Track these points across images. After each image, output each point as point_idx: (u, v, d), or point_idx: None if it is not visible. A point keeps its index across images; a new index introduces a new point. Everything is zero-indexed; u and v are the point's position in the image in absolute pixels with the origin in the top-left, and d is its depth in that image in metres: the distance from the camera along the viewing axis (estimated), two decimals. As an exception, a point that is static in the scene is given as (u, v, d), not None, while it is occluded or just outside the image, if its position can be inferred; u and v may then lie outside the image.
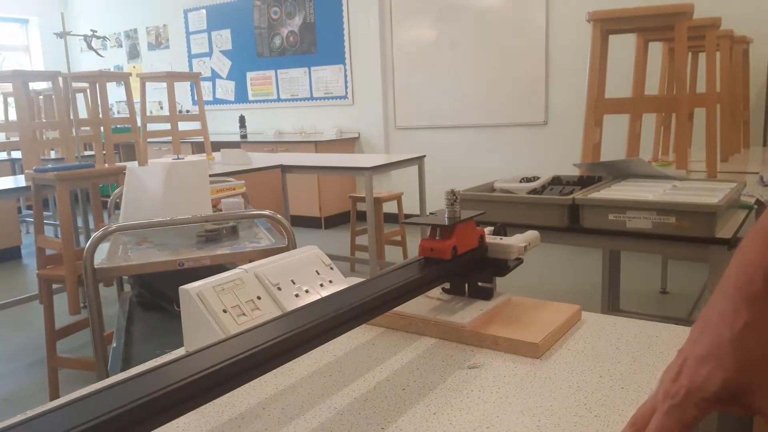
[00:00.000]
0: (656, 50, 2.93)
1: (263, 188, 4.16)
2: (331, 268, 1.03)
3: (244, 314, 0.84)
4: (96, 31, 3.29)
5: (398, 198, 4.62)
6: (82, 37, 3.21)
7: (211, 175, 2.50)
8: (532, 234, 0.97)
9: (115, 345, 1.87)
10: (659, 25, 2.12)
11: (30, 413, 0.46)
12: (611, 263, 2.34)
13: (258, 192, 3.72)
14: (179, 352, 0.87)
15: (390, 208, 4.97)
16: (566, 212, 1.47)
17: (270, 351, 0.61)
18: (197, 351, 0.58)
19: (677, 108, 2.03)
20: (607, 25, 2.07)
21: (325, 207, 6.10)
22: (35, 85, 5.70)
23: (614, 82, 2.58)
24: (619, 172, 1.84)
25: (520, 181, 1.76)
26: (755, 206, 1.69)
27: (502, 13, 5.20)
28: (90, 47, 3.14)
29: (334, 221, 6.20)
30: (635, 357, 0.77)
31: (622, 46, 2.99)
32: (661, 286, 3.70)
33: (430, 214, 0.95)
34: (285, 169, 3.88)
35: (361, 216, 5.01)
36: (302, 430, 0.63)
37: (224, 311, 0.82)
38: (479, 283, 0.93)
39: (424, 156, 4.04)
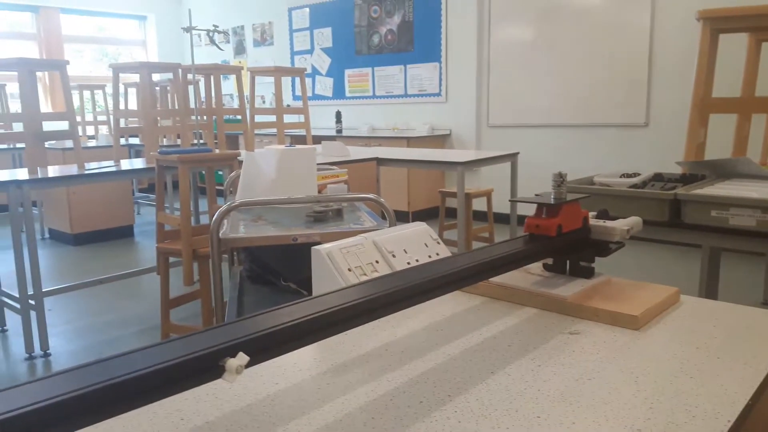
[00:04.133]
0: (770, 51, 2.82)
1: (358, 180, 4.32)
2: (438, 243, 1.12)
3: (365, 274, 0.95)
4: (217, 26, 3.55)
5: (488, 194, 4.65)
6: (205, 32, 3.47)
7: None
8: (634, 219, 1.02)
9: (228, 312, 2.04)
10: (774, 24, 2.06)
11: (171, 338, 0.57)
12: (710, 266, 2.29)
13: (353, 184, 3.87)
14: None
15: (478, 205, 5.01)
16: (667, 207, 1.49)
17: (383, 299, 0.69)
18: (322, 295, 0.68)
19: (790, 109, 1.97)
20: (717, 24, 2.04)
21: (413, 202, 6.21)
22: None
23: (722, 83, 2.52)
24: (723, 171, 1.82)
25: (621, 177, 1.78)
26: None
27: (605, 13, 5.10)
28: (212, 41, 3.40)
29: (421, 216, 6.30)
30: (731, 334, 0.81)
31: (732, 47, 2.89)
32: (764, 298, 3.53)
33: (536, 195, 1.02)
34: (380, 161, 4.01)
35: (449, 213, 5.07)
36: (422, 369, 0.73)
37: (349, 269, 0.93)
38: (581, 263, 1.00)
39: (518, 153, 4.06)
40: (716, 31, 2.09)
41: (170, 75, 3.96)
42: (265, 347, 0.55)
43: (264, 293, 2.09)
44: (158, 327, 3.15)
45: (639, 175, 1.74)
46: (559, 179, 0.95)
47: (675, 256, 4.50)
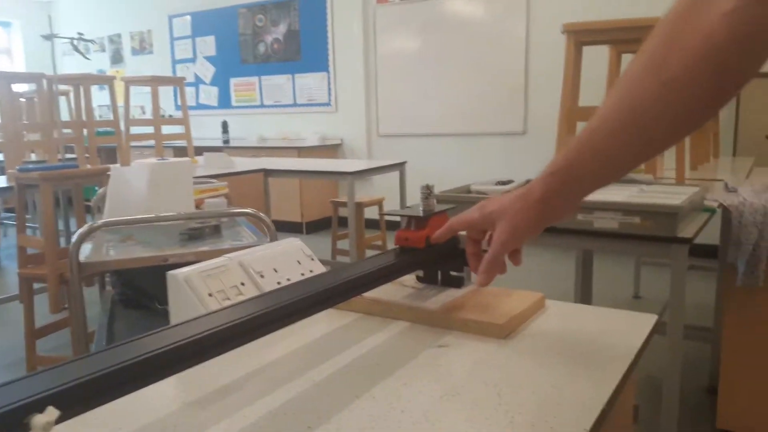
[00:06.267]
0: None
1: (246, 193, 4.19)
2: (312, 259, 1.09)
3: (228, 298, 0.89)
4: (83, 34, 3.31)
5: (380, 203, 4.68)
6: (69, 40, 3.22)
7: (194, 178, 2.54)
8: (501, 227, 1.03)
9: (96, 341, 1.89)
10: (630, 38, 2.21)
11: (12, 378, 0.49)
12: (584, 266, 2.41)
13: (240, 197, 3.75)
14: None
15: (371, 213, 5.03)
16: (538, 212, 1.54)
17: (247, 324, 0.65)
18: (180, 323, 0.63)
19: (646, 116, 2.12)
20: (580, 37, 2.15)
21: (306, 212, 6.14)
22: (16, 88, 5.69)
23: (588, 92, 2.67)
24: (590, 176, 1.91)
25: (496, 184, 1.83)
26: (718, 210, 1.77)
27: (484, 25, 5.31)
28: (76, 50, 3.16)
29: (316, 226, 6.24)
30: (592, 338, 0.83)
31: (596, 58, 3.08)
32: (634, 292, 3.79)
33: (407, 207, 1.01)
34: (267, 173, 3.92)
35: (343, 222, 5.06)
36: (283, 399, 0.68)
37: (209, 295, 0.87)
38: (451, 273, 0.99)
39: (405, 162, 4.11)
40: (580, 43, 2.21)
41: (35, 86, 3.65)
42: (84, 397, 0.48)
43: (137, 318, 1.96)
44: (24, 360, 2.87)
45: (513, 182, 1.79)
46: (427, 191, 0.95)
47: (551, 258, 4.74)
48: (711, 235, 2.30)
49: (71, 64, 8.02)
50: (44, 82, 3.62)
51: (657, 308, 3.46)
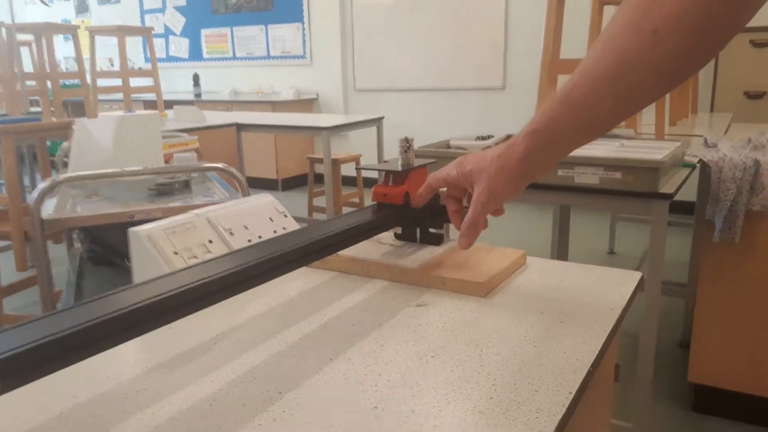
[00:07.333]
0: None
1: (218, 148, 4.10)
2: (285, 216, 1.04)
3: (195, 257, 0.84)
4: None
5: (356, 159, 4.61)
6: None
7: (163, 132, 2.45)
8: (482, 182, 0.99)
9: (64, 300, 1.84)
10: (613, -13, 2.15)
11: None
12: (561, 221, 2.40)
13: (213, 152, 3.65)
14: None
15: (348, 170, 4.97)
16: (518, 167, 1.51)
17: (215, 284, 0.61)
18: (141, 283, 0.58)
19: (628, 70, 2.08)
20: (563, -14, 2.08)
21: (282, 169, 6.04)
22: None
23: (571, 45, 2.61)
24: (570, 131, 1.88)
25: (476, 139, 1.79)
26: (697, 165, 1.76)
27: (463, -25, 5.17)
28: (34, -6, 2.98)
29: (292, 183, 6.16)
30: (575, 296, 0.81)
31: (579, 10, 3.02)
32: (609, 247, 3.82)
33: (384, 161, 0.96)
34: (240, 127, 3.82)
35: (320, 178, 5.00)
36: (253, 362, 0.65)
37: (175, 253, 0.82)
38: (430, 230, 0.96)
39: (383, 117, 4.03)
40: (562, -6, 2.14)
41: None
42: (32, 364, 0.44)
43: (106, 276, 1.90)
44: (-8, 319, 2.81)
45: (492, 137, 1.75)
46: (406, 145, 0.90)
47: (529, 213, 4.75)
48: (686, 192, 2.30)
49: (33, 13, 7.67)
50: (3, 31, 3.44)
51: (631, 264, 3.50)
